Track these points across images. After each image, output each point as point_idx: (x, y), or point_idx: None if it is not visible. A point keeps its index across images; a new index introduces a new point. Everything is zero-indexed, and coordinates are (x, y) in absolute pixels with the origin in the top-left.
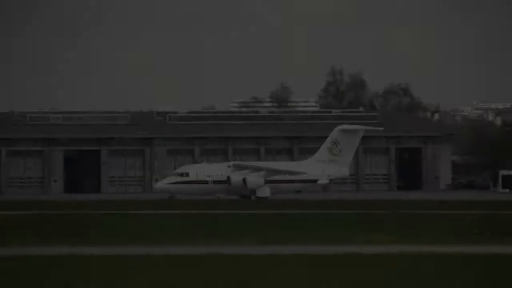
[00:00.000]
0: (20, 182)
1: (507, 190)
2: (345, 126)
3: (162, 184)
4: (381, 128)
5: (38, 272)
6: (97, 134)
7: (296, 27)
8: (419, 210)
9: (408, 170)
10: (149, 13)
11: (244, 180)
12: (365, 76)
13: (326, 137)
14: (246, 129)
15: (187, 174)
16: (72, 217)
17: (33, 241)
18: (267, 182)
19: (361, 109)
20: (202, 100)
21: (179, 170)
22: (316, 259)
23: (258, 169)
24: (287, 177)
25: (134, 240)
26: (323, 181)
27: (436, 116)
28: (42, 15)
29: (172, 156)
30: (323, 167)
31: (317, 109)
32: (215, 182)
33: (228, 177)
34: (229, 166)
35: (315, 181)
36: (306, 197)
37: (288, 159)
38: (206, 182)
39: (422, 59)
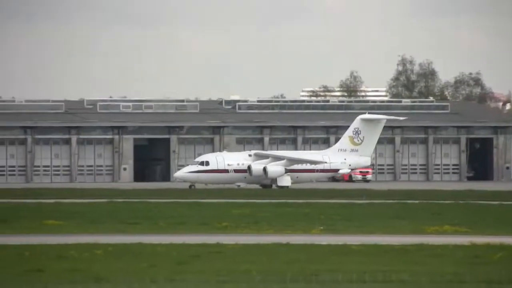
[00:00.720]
0: (90, 170)
1: None
2: (366, 115)
3: (182, 172)
4: (403, 118)
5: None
6: (167, 123)
7: (367, 15)
8: (489, 200)
9: (478, 160)
10: (223, 2)
11: (264, 169)
12: (435, 65)
13: (399, 127)
14: (316, 118)
15: (207, 163)
16: (145, 204)
17: (103, 229)
18: (288, 171)
19: (431, 99)
20: (271, 89)
21: (199, 159)
22: (389, 250)
23: (278, 158)
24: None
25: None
26: (344, 170)
27: (508, 106)
28: (112, 4)
29: (241, 145)
30: (344, 156)
31: (387, 98)
32: (235, 171)
33: (249, 166)
34: (250, 155)
35: (336, 170)
36: (377, 186)
37: None
38: (226, 171)
39: (494, 48)
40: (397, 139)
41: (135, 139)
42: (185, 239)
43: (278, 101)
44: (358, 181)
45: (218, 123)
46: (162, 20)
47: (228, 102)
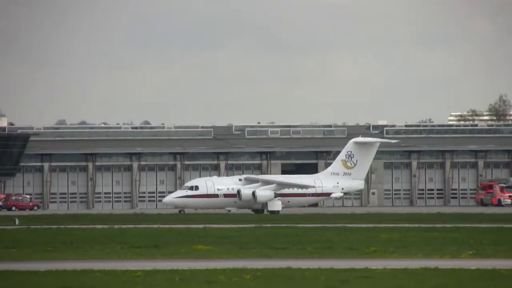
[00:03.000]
0: None
1: None
2: (359, 139)
3: (171, 197)
4: (396, 141)
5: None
6: (315, 148)
7: None
8: None
9: None
10: (371, 27)
11: (253, 193)
12: None
13: None
14: (464, 143)
15: (197, 188)
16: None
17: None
18: (278, 195)
19: None
20: (419, 113)
21: (189, 184)
22: None
23: (268, 183)
24: (299, 191)
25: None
26: (336, 194)
27: None
28: (259, 31)
29: (388, 169)
30: (337, 180)
31: None
32: (225, 195)
33: (238, 191)
34: (240, 180)
35: (328, 194)
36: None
37: (507, 173)
38: (216, 195)
39: None
40: None
41: (282, 164)
42: (333, 264)
43: (426, 126)
44: (507, 205)
45: None
46: (310, 46)
47: (376, 127)
